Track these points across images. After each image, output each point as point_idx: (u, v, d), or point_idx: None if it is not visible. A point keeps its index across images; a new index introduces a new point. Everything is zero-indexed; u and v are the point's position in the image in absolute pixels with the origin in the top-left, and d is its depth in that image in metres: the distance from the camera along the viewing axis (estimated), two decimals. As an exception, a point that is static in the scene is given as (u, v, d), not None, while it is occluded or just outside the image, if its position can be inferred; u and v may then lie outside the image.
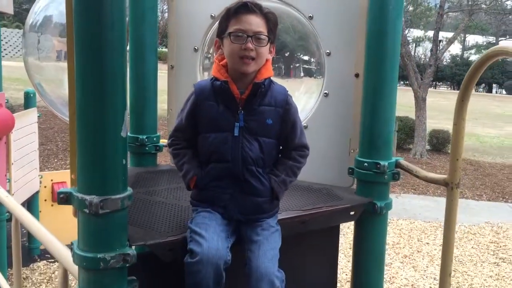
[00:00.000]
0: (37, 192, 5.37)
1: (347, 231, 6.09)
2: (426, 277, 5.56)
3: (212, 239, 1.74)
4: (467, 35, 43.26)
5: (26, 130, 5.08)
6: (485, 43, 48.32)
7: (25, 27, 3.69)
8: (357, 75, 2.49)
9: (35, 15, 3.61)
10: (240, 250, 1.84)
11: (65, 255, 1.86)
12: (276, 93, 1.91)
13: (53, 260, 5.39)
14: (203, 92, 1.90)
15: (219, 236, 1.78)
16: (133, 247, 1.69)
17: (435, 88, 43.55)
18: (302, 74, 3.01)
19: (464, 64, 47.85)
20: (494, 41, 47.37)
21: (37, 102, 5.45)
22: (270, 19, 1.89)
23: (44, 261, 5.39)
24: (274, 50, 1.96)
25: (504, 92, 43.81)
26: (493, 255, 6.38)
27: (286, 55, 3.00)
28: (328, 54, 2.58)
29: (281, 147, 1.98)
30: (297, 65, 3.01)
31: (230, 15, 1.87)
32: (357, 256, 2.49)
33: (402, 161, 2.38)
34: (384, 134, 2.36)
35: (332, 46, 2.57)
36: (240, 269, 1.79)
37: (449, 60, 46.90)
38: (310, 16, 2.60)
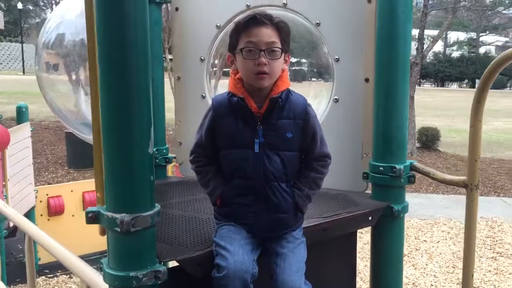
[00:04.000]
0: (33, 207, 5.32)
1: (360, 235, 6.08)
2: (426, 274, 5.58)
3: (237, 252, 1.72)
4: (448, 32, 43.73)
5: (20, 145, 5.05)
6: (466, 39, 49.00)
7: (37, 45, 3.71)
8: (367, 80, 2.50)
9: (47, 34, 3.61)
10: (267, 262, 1.83)
11: (88, 272, 1.84)
12: (294, 105, 1.85)
13: (51, 276, 5.33)
14: (220, 108, 1.86)
15: (244, 249, 1.76)
16: (162, 263, 1.68)
17: (420, 86, 43.95)
18: (310, 79, 3.00)
19: (447, 60, 48.43)
20: (475, 37, 48.06)
21: (28, 115, 5.39)
22: (282, 28, 1.81)
23: (43, 277, 5.31)
24: (289, 59, 1.91)
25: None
26: (490, 249, 6.43)
27: (294, 60, 2.99)
28: (337, 60, 2.58)
29: (303, 157, 1.93)
30: (304, 69, 3.00)
31: (240, 29, 1.81)
32: (376, 260, 2.49)
33: (417, 163, 2.38)
34: (399, 137, 2.37)
35: (340, 52, 2.57)
36: (268, 282, 1.77)
37: (431, 58, 47.38)
38: (317, 23, 2.60)
